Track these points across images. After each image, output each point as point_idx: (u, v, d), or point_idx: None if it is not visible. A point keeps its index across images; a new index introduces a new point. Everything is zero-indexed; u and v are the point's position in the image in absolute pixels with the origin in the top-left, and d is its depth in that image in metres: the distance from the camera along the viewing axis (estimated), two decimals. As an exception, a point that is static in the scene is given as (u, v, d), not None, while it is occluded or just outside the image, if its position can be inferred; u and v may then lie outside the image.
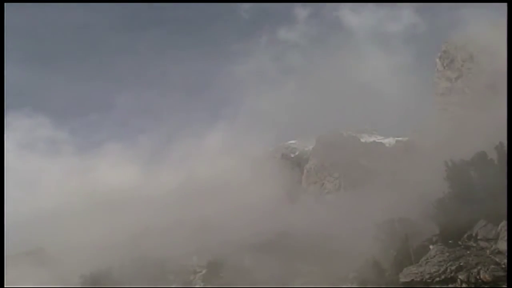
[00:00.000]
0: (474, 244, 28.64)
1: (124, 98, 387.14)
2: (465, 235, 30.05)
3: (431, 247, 32.11)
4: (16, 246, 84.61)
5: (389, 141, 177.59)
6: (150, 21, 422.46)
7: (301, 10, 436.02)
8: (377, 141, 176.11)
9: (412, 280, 28.36)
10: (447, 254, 28.50)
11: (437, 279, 27.32)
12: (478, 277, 25.65)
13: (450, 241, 31.92)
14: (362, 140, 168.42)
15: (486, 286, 25.28)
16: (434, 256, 28.85)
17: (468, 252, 28.32)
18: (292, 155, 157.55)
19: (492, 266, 25.81)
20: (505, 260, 24.85)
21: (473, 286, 25.58)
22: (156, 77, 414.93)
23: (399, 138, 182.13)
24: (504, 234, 26.17)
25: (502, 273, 24.81)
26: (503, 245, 25.80)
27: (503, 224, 27.04)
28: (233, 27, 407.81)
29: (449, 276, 26.96)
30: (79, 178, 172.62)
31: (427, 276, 27.73)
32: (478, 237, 28.57)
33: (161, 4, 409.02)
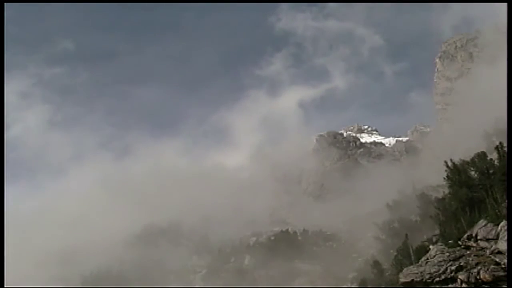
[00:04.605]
0: (474, 244, 28.58)
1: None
2: (465, 235, 30.01)
3: (431, 247, 32.08)
4: (16, 246, 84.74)
5: (389, 141, 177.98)
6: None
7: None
8: (377, 141, 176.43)
9: (412, 280, 28.27)
10: (447, 254, 28.42)
11: (437, 279, 27.25)
12: (478, 277, 25.59)
13: (450, 241, 31.92)
14: (362, 140, 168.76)
15: (486, 286, 25.24)
16: (434, 256, 28.77)
17: (468, 252, 28.26)
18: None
19: (492, 266, 25.76)
20: (505, 260, 24.82)
21: (473, 286, 25.53)
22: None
23: (399, 138, 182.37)
24: (504, 234, 26.11)
25: (502, 273, 24.76)
26: (503, 245, 25.74)
27: (503, 224, 27.01)
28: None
29: (449, 276, 26.89)
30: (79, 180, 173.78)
31: (427, 276, 27.65)
32: (478, 237, 28.51)
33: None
